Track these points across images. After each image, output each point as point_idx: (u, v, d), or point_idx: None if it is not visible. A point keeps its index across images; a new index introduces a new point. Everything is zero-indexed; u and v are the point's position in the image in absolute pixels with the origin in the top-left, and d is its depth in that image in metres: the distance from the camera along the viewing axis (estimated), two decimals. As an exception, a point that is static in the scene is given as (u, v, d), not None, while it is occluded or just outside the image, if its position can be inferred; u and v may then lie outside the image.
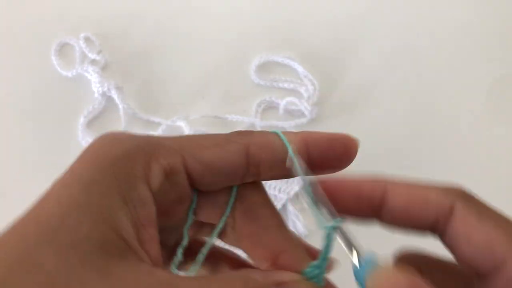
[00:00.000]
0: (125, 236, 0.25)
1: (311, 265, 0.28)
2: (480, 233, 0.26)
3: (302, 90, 0.70)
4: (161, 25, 0.74)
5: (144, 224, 0.26)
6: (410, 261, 0.31)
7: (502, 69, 0.72)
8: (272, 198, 0.32)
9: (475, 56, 0.73)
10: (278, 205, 0.62)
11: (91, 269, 0.23)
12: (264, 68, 0.71)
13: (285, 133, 0.31)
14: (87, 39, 0.71)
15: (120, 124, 0.67)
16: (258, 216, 0.31)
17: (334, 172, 0.31)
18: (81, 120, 0.66)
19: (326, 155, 0.30)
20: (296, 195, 0.63)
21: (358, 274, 0.26)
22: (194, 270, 0.31)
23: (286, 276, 0.27)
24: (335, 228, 0.28)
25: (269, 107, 0.69)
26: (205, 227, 0.33)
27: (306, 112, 0.67)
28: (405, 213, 0.29)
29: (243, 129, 0.32)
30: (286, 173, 0.31)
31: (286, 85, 0.70)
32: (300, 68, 0.71)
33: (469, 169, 0.65)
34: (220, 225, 0.31)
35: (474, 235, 0.26)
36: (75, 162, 0.27)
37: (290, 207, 0.62)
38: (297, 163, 0.29)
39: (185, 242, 0.31)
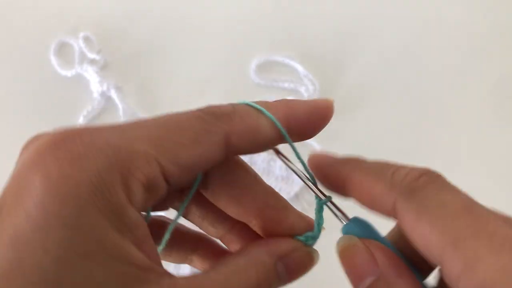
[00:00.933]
0: (137, 263, 0.24)
1: (307, 235, 0.30)
2: (418, 233, 0.25)
3: (302, 90, 0.69)
4: (161, 25, 0.74)
5: (144, 242, 0.25)
6: None
7: (502, 69, 0.72)
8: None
9: (476, 57, 0.73)
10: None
11: None
12: (264, 68, 0.71)
13: (264, 105, 0.29)
14: (86, 39, 0.71)
15: (120, 124, 0.66)
16: (235, 178, 0.30)
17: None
18: (81, 120, 0.66)
19: (304, 126, 0.30)
20: (296, 195, 0.63)
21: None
22: (162, 245, 0.31)
23: (284, 245, 0.28)
24: (324, 203, 0.30)
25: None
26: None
27: (306, 112, 0.67)
28: (363, 203, 0.28)
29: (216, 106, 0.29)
30: (257, 150, 0.30)
31: (286, 85, 0.70)
32: (300, 68, 0.71)
33: (470, 169, 0.65)
34: (192, 190, 0.30)
35: (414, 235, 0.25)
36: (31, 191, 0.23)
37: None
38: (293, 145, 0.29)
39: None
